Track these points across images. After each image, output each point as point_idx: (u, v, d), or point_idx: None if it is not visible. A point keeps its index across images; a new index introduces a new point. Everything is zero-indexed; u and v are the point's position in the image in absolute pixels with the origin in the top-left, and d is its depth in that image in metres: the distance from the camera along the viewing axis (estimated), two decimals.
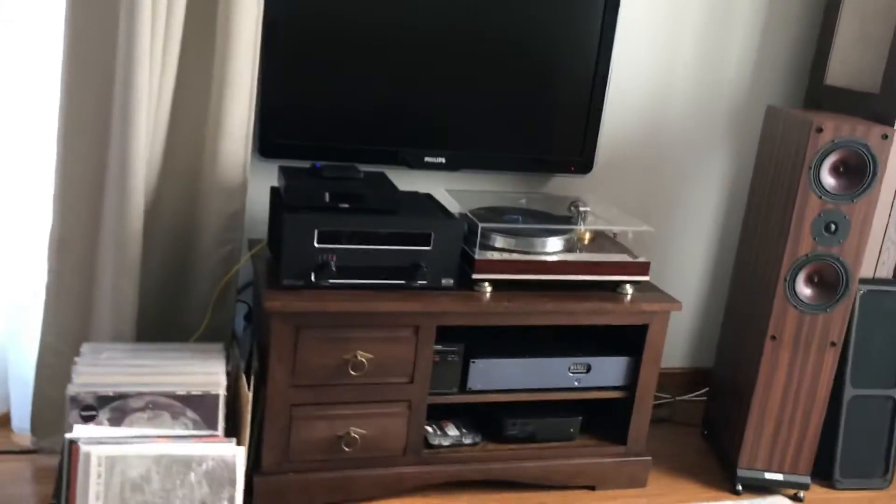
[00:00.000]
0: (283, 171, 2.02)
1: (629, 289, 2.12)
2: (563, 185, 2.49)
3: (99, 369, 1.79)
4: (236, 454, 1.71)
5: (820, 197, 2.06)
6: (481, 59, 2.25)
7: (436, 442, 2.08)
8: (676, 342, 2.77)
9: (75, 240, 2.00)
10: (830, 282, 2.12)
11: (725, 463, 2.35)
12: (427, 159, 2.28)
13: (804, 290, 2.13)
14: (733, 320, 2.39)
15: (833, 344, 2.16)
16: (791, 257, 2.10)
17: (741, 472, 2.25)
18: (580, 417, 2.19)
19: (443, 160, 2.30)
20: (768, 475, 2.25)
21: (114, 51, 1.90)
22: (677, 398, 2.73)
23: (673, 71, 2.51)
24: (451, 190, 2.28)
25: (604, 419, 2.25)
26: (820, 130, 2.02)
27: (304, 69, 2.14)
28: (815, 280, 2.13)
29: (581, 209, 2.23)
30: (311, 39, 2.12)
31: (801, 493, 2.25)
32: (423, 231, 1.94)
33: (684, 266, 2.72)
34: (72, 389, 1.70)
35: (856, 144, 2.03)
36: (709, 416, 2.53)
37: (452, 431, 2.12)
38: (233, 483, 1.70)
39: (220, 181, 2.08)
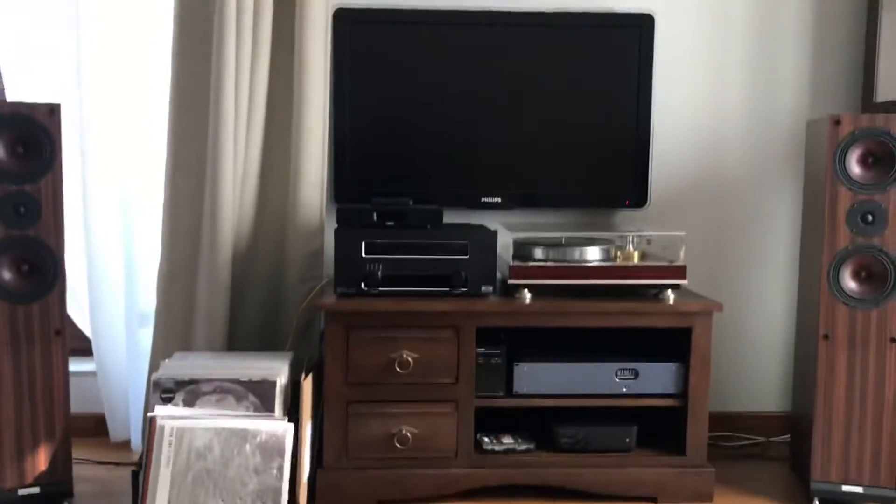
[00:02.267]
0: (340, 209, 2.29)
1: (670, 294, 2.20)
2: (625, 221, 2.62)
3: (181, 363, 2.11)
4: (286, 430, 1.93)
5: (850, 189, 2.09)
6: (527, 107, 2.51)
7: (489, 448, 2.19)
8: (766, 385, 2.74)
9: (180, 273, 2.38)
10: (878, 274, 2.10)
11: (802, 479, 2.26)
12: (483, 199, 2.53)
13: (850, 285, 2.11)
14: (802, 342, 2.36)
15: (893, 340, 2.10)
16: (831, 251, 2.10)
17: (815, 486, 2.16)
18: (635, 427, 2.22)
19: (498, 199, 2.53)
20: (846, 488, 2.15)
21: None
22: (770, 439, 2.65)
23: (723, 103, 2.63)
24: (506, 223, 2.49)
25: (664, 432, 2.26)
26: (837, 123, 2.08)
27: (369, 126, 2.50)
28: (863, 275, 2.11)
29: (630, 233, 2.37)
30: (375, 101, 2.49)
31: None
32: (460, 241, 2.16)
33: (761, 306, 2.71)
34: (155, 376, 2.01)
35: (878, 133, 2.06)
36: (793, 447, 2.45)
37: (507, 440, 2.22)
38: (282, 454, 1.91)
39: (302, 223, 2.42)
